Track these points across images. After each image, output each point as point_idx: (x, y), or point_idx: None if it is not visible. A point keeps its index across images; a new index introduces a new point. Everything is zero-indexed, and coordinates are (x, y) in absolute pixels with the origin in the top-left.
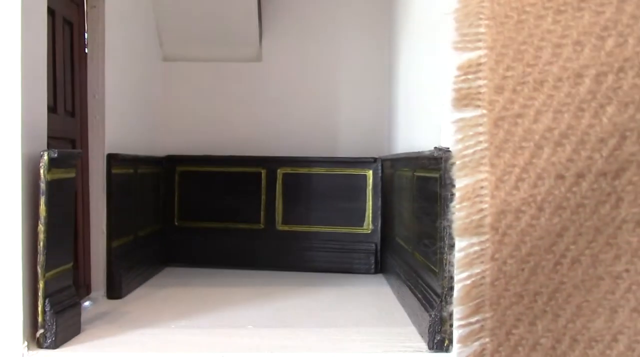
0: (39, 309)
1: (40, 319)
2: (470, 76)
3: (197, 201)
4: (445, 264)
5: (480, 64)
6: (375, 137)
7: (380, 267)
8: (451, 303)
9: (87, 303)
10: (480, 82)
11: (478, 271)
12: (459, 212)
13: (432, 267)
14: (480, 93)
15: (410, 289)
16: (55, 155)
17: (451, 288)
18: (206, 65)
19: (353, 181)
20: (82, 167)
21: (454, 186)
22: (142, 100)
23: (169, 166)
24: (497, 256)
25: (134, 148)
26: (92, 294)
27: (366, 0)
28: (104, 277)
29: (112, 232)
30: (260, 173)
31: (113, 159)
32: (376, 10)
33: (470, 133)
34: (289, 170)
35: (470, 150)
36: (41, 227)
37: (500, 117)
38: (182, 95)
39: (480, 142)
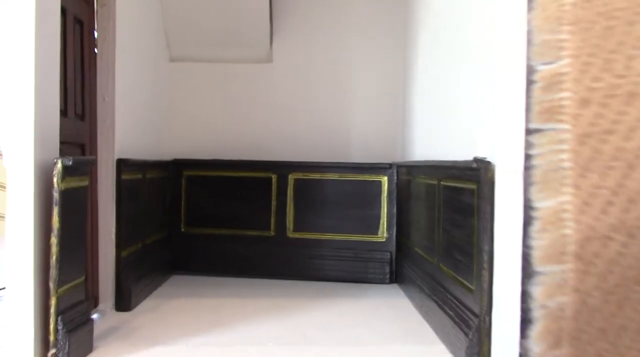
0: (51, 327)
1: (52, 337)
2: (552, 87)
3: (205, 206)
4: (484, 282)
5: (562, 74)
6: (389, 142)
7: (395, 277)
8: (490, 323)
9: (95, 316)
10: (563, 94)
11: (558, 302)
12: (539, 239)
13: (466, 283)
14: (563, 106)
15: (438, 304)
16: (70, 163)
17: (490, 307)
18: (214, 67)
19: (367, 187)
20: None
21: (493, 200)
22: (150, 102)
23: (175, 170)
24: (580, 286)
25: (142, 152)
26: (100, 306)
27: (380, 2)
28: (113, 289)
29: (122, 240)
30: (271, 178)
31: (123, 165)
32: (391, 12)
33: (552, 150)
34: (300, 175)
35: (551, 169)
36: (54, 240)
37: (586, 133)
38: (189, 97)
39: (563, 160)
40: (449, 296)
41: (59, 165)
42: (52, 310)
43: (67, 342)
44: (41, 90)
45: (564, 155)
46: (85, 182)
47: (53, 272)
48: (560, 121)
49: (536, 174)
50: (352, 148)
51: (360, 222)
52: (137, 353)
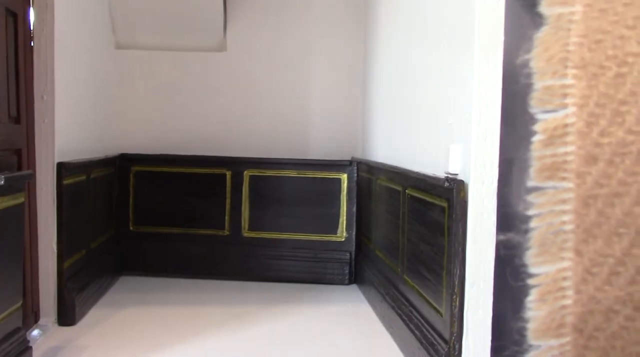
0: None
1: None
2: (554, 140)
3: (155, 204)
4: (454, 308)
5: (567, 126)
6: (348, 137)
7: (354, 277)
8: (460, 351)
9: (35, 332)
10: (568, 149)
11: None
12: (536, 310)
13: (435, 305)
14: (566, 162)
15: (402, 319)
16: (2, 182)
17: (460, 335)
18: (164, 55)
19: (326, 184)
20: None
21: (465, 221)
22: (93, 94)
23: (122, 166)
24: None
25: (86, 150)
26: (42, 321)
27: None
28: (55, 302)
29: (64, 250)
30: (225, 175)
31: (64, 168)
32: (352, 2)
33: (552, 211)
34: (256, 172)
35: (551, 232)
36: None
37: (591, 195)
38: (136, 88)
39: (565, 223)
40: (414, 313)
41: None
42: None
43: None
44: None
45: (566, 218)
46: (21, 199)
47: None
48: (563, 179)
49: (534, 237)
50: (310, 142)
51: (318, 221)
52: None
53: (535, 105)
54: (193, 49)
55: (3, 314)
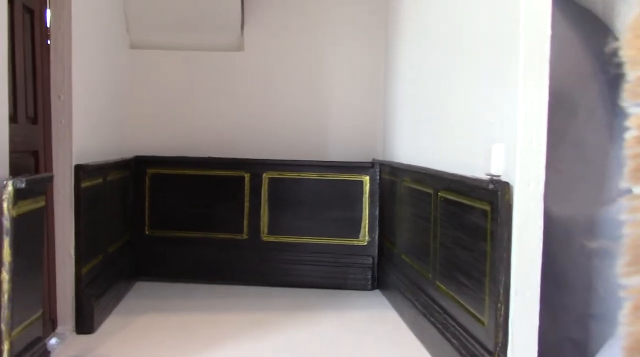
0: None
1: None
2: None
3: (171, 207)
4: (499, 317)
5: None
6: (369, 139)
7: (377, 282)
8: None
9: (53, 341)
10: None
11: None
12: (628, 325)
13: (476, 313)
14: None
15: (437, 327)
16: (23, 185)
17: (505, 345)
18: (180, 54)
19: (348, 187)
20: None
21: (510, 226)
22: (109, 95)
23: (137, 168)
24: None
25: (102, 152)
26: (59, 329)
27: None
28: (72, 310)
29: (81, 256)
30: (244, 177)
31: (82, 171)
32: (373, 0)
33: None
34: (275, 174)
35: None
36: (5, 276)
37: None
38: (152, 88)
39: None
40: (450, 321)
41: (10, 188)
42: (6, 355)
43: None
44: None
45: None
46: (42, 203)
47: (5, 313)
48: None
49: (626, 244)
50: (330, 144)
51: (339, 225)
52: None
53: (627, 98)
54: (210, 48)
55: (24, 324)
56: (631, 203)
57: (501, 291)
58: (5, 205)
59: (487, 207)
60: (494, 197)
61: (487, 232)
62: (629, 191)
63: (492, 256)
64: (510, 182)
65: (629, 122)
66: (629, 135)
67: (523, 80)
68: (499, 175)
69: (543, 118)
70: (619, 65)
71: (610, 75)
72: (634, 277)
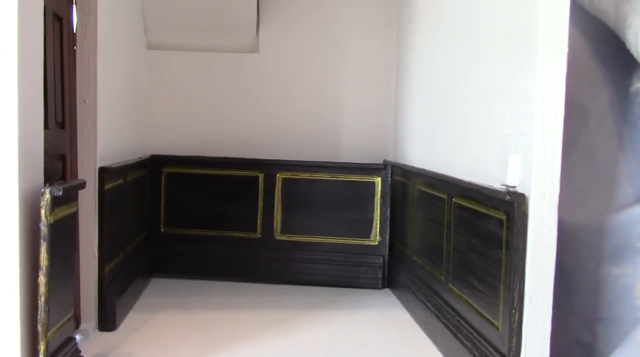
0: None
1: None
2: None
3: (186, 205)
4: (514, 322)
5: None
6: (380, 140)
7: (387, 281)
8: None
9: (77, 338)
10: None
11: None
12: None
13: (490, 318)
14: None
15: (449, 329)
16: (60, 193)
17: (518, 349)
18: (196, 55)
19: (360, 188)
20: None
21: (526, 235)
22: (129, 97)
23: (154, 167)
24: None
25: (123, 153)
26: (82, 326)
27: None
28: (96, 307)
29: (104, 255)
30: (258, 177)
31: (106, 173)
32: (385, 3)
33: None
34: (289, 175)
35: None
36: (42, 279)
37: None
38: (168, 88)
39: None
40: (463, 324)
41: (47, 196)
42: (42, 356)
43: None
44: (24, 105)
45: None
46: (74, 208)
47: (42, 315)
48: None
49: None
50: (343, 144)
51: (351, 225)
52: None
53: None
54: (225, 49)
55: (58, 324)
56: None
57: (515, 298)
58: (42, 212)
59: (503, 217)
60: (510, 207)
61: (503, 241)
62: None
63: (507, 263)
64: (526, 193)
65: None
66: None
67: (540, 93)
68: (514, 186)
69: (559, 131)
70: None
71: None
72: None
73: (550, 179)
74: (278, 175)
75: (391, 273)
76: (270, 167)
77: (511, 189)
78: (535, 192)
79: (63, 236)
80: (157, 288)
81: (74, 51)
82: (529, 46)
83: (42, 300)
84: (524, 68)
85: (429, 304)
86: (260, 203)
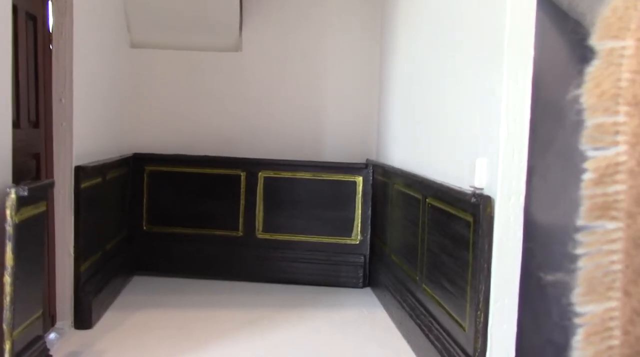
0: None
1: None
2: (605, 179)
3: (168, 204)
4: (479, 324)
5: (618, 164)
6: (363, 139)
7: (368, 280)
8: None
9: (52, 335)
10: (618, 188)
11: None
12: (583, 349)
13: (458, 319)
14: (617, 201)
15: (422, 329)
16: (26, 193)
17: (484, 351)
18: (179, 54)
19: (341, 187)
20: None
21: (491, 237)
22: (109, 94)
23: (136, 165)
24: None
25: (102, 151)
26: (58, 324)
27: None
28: (71, 306)
29: (80, 253)
30: (240, 176)
31: (82, 172)
32: (368, 3)
33: (600, 251)
34: (271, 173)
35: (599, 272)
36: (7, 279)
37: None
38: (151, 87)
39: (613, 262)
40: (434, 324)
41: (13, 196)
42: (7, 355)
43: None
44: None
45: (615, 257)
46: (43, 208)
47: (7, 314)
48: (613, 219)
49: (581, 276)
50: (325, 144)
51: (333, 224)
52: None
53: (585, 143)
54: (208, 48)
55: (25, 324)
56: (587, 239)
57: (481, 299)
58: (8, 212)
59: (470, 219)
60: (476, 209)
61: (470, 242)
62: (585, 228)
63: (473, 265)
64: (492, 196)
65: (587, 165)
66: (586, 177)
67: (506, 96)
68: (482, 188)
69: (525, 134)
70: (580, 111)
71: (570, 121)
72: (588, 306)
73: (517, 181)
74: (260, 173)
75: (372, 272)
76: (252, 165)
77: (478, 191)
78: (501, 195)
79: (30, 236)
80: (138, 286)
81: (50, 50)
82: (496, 49)
83: (7, 299)
84: (492, 71)
85: (404, 304)
86: (242, 202)
